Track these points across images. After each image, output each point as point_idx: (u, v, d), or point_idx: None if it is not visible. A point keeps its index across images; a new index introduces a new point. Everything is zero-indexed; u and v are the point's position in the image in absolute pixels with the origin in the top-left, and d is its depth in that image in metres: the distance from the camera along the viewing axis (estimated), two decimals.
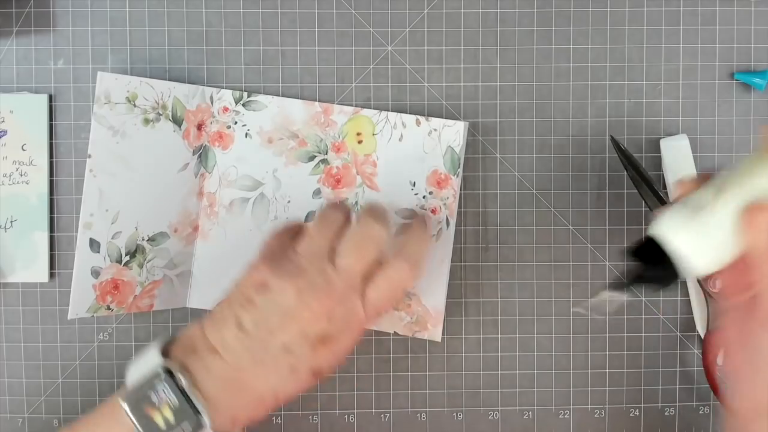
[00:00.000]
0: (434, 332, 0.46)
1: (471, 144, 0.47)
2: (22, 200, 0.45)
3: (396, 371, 0.47)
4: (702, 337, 0.47)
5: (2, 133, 0.45)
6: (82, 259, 0.43)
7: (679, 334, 0.47)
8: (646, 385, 0.48)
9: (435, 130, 0.45)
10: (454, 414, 0.47)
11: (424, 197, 0.46)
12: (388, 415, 0.47)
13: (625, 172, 0.45)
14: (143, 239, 0.44)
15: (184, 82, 0.46)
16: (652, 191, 0.44)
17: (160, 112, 0.44)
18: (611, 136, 0.45)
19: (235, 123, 0.45)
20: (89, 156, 0.42)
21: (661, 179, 0.47)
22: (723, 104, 0.47)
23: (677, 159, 0.46)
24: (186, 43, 0.46)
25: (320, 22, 0.46)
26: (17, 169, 0.45)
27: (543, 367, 0.47)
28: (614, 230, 0.47)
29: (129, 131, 0.43)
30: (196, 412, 0.33)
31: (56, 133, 0.46)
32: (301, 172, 0.45)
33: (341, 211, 0.38)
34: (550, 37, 0.47)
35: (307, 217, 0.46)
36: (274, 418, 0.47)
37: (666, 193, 0.47)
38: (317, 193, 0.45)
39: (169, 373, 0.33)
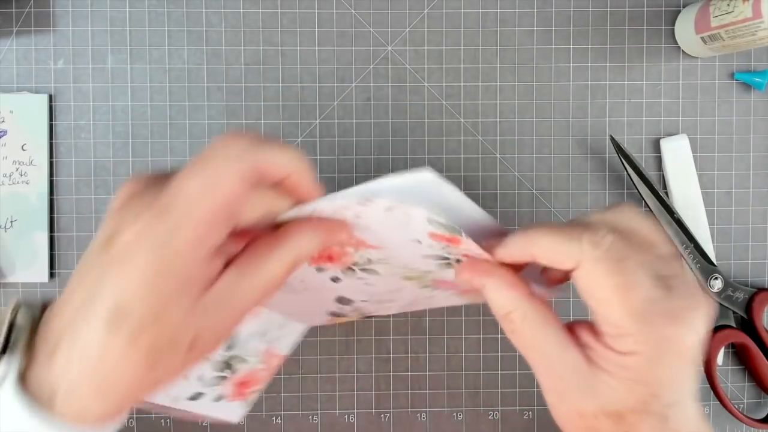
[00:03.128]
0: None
1: (471, 144, 0.47)
2: (22, 200, 0.45)
3: (396, 371, 0.47)
4: None
5: (2, 133, 0.45)
6: None
7: None
8: None
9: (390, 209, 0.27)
10: (454, 414, 0.47)
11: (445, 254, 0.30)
12: (388, 415, 0.47)
13: (625, 172, 0.45)
14: None
15: (184, 82, 0.46)
16: (652, 191, 0.44)
17: None
18: (611, 136, 0.45)
19: None
20: None
21: (661, 179, 0.47)
22: (723, 104, 0.47)
23: (677, 159, 0.46)
24: (186, 43, 0.46)
25: (320, 22, 0.46)
26: (17, 169, 0.45)
27: None
28: None
29: None
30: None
31: (56, 133, 0.46)
32: None
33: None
34: (550, 37, 0.47)
35: None
36: (274, 418, 0.47)
37: (666, 193, 0.47)
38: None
39: None
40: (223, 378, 0.41)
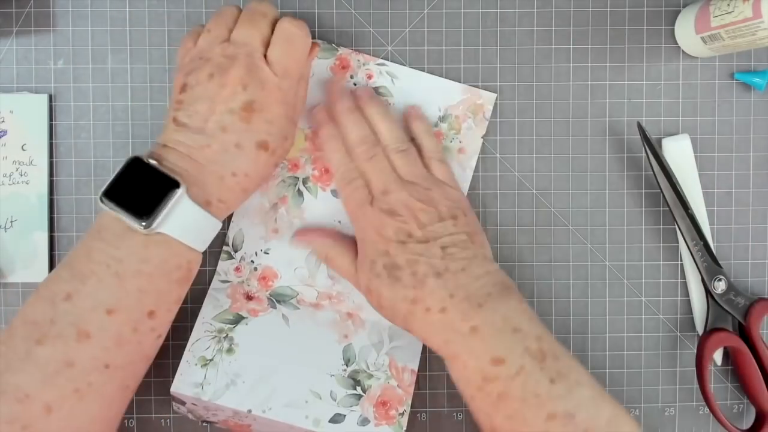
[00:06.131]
0: None
1: None
2: (22, 200, 0.45)
3: None
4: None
5: (2, 133, 0.45)
6: None
7: (679, 334, 0.47)
8: (646, 385, 0.48)
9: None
10: (454, 414, 0.47)
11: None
12: None
13: (647, 161, 0.45)
14: None
15: None
16: (670, 183, 0.44)
17: None
18: (639, 123, 0.45)
19: None
20: None
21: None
22: (723, 104, 0.47)
23: (679, 159, 0.46)
24: None
25: (320, 22, 0.46)
26: (17, 169, 0.45)
27: None
28: (614, 230, 0.47)
29: None
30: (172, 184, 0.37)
31: (56, 133, 0.46)
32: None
33: (233, 6, 0.42)
34: (550, 37, 0.47)
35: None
36: None
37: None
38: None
39: (140, 161, 0.38)
40: (358, 397, 0.40)
